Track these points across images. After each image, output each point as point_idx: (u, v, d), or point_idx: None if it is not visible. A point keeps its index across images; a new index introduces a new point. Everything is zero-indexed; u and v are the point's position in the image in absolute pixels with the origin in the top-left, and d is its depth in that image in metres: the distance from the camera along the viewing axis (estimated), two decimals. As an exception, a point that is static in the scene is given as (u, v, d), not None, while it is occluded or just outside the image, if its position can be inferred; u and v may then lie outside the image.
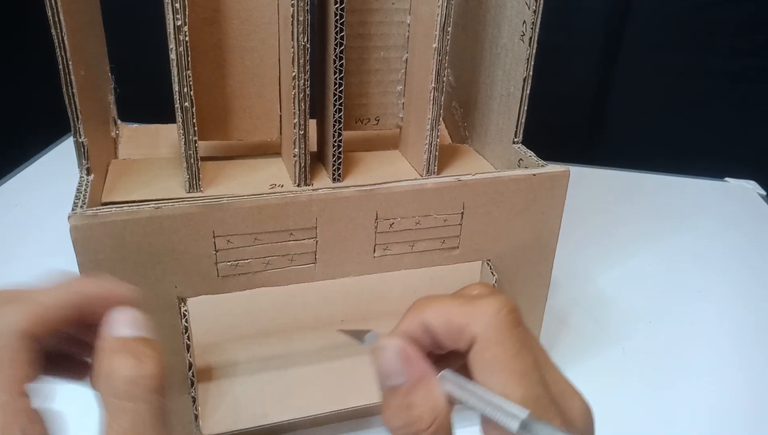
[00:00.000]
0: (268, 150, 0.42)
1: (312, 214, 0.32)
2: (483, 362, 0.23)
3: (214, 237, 0.31)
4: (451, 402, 0.23)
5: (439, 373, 0.24)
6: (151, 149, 0.43)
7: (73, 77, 0.32)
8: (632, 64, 0.87)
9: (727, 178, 0.81)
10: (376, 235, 0.34)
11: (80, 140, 0.33)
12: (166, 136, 0.45)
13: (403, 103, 0.42)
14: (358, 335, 0.29)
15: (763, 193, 0.77)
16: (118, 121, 0.44)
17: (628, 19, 0.84)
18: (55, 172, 0.71)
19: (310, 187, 0.37)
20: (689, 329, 0.52)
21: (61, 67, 0.31)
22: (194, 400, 0.34)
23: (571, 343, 0.49)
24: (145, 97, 0.57)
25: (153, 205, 0.29)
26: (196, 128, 0.35)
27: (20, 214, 0.63)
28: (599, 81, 0.89)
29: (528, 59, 0.37)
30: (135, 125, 0.47)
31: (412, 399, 0.23)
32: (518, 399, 0.22)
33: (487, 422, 0.22)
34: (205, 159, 0.39)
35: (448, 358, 0.24)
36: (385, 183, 0.33)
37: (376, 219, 0.34)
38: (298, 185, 0.38)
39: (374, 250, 0.35)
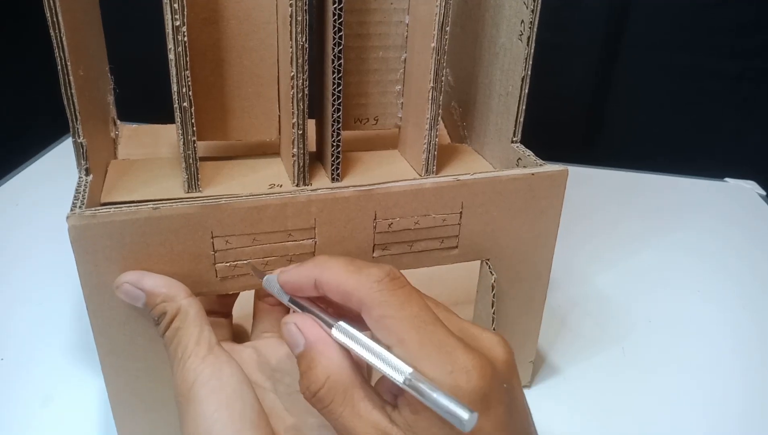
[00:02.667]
0: (267, 150, 0.42)
1: (311, 214, 0.32)
2: (374, 322, 0.24)
3: (212, 237, 0.31)
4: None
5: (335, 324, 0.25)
6: (150, 149, 0.43)
7: (71, 77, 0.32)
8: (632, 64, 0.87)
9: (726, 178, 0.81)
10: (375, 235, 0.34)
11: (79, 140, 0.33)
12: (165, 136, 0.45)
13: (402, 102, 0.42)
14: (261, 274, 0.30)
15: (763, 193, 0.77)
16: (118, 122, 0.45)
17: (628, 18, 0.84)
18: (55, 171, 0.71)
19: (309, 187, 0.37)
20: (689, 329, 0.52)
21: (59, 67, 0.31)
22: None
23: (571, 343, 0.49)
24: (144, 97, 0.57)
25: (151, 206, 0.29)
26: (194, 128, 0.35)
27: (20, 214, 0.63)
28: (599, 81, 0.89)
29: (526, 59, 0.37)
30: (134, 125, 0.47)
31: (309, 361, 0.25)
32: (415, 341, 0.23)
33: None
34: (204, 159, 0.39)
35: None
36: (383, 183, 0.33)
37: (375, 219, 0.34)
38: (296, 185, 0.38)
39: (373, 250, 0.35)
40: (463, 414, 0.20)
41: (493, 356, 0.24)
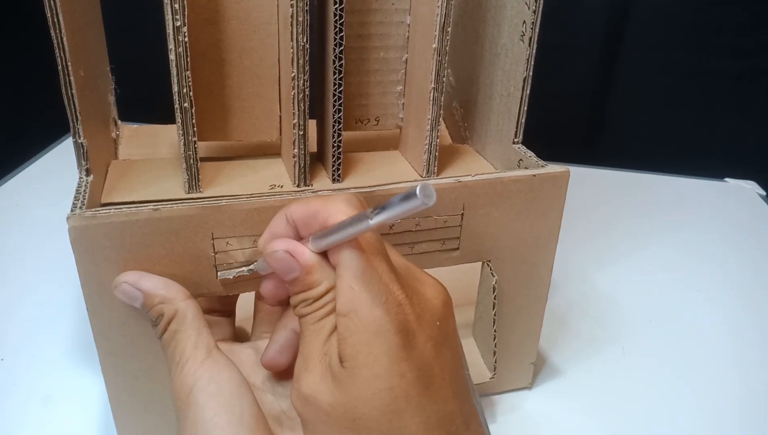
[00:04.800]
0: (267, 150, 0.42)
1: (311, 215, 0.32)
2: None
3: (212, 239, 0.31)
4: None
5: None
6: (151, 149, 0.43)
7: (72, 78, 0.32)
8: (632, 64, 0.87)
9: (726, 178, 0.81)
10: (376, 236, 0.34)
11: (79, 141, 0.33)
12: (165, 137, 0.45)
13: (403, 103, 0.42)
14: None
15: (763, 193, 0.77)
16: (119, 122, 0.44)
17: (629, 18, 0.84)
18: (56, 171, 0.71)
19: (310, 188, 0.37)
20: (689, 329, 0.52)
21: (60, 67, 0.31)
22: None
23: (571, 343, 0.49)
24: (145, 97, 0.57)
25: (152, 207, 0.29)
26: (195, 129, 0.35)
27: (20, 214, 0.63)
28: (599, 81, 0.89)
29: (528, 59, 0.37)
30: (135, 125, 0.47)
31: (311, 280, 0.26)
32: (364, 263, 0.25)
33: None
34: (204, 159, 0.39)
35: None
36: (384, 184, 0.33)
37: (376, 220, 0.34)
38: (297, 186, 0.37)
39: (374, 251, 0.34)
40: (414, 191, 0.21)
41: (429, 295, 0.26)
